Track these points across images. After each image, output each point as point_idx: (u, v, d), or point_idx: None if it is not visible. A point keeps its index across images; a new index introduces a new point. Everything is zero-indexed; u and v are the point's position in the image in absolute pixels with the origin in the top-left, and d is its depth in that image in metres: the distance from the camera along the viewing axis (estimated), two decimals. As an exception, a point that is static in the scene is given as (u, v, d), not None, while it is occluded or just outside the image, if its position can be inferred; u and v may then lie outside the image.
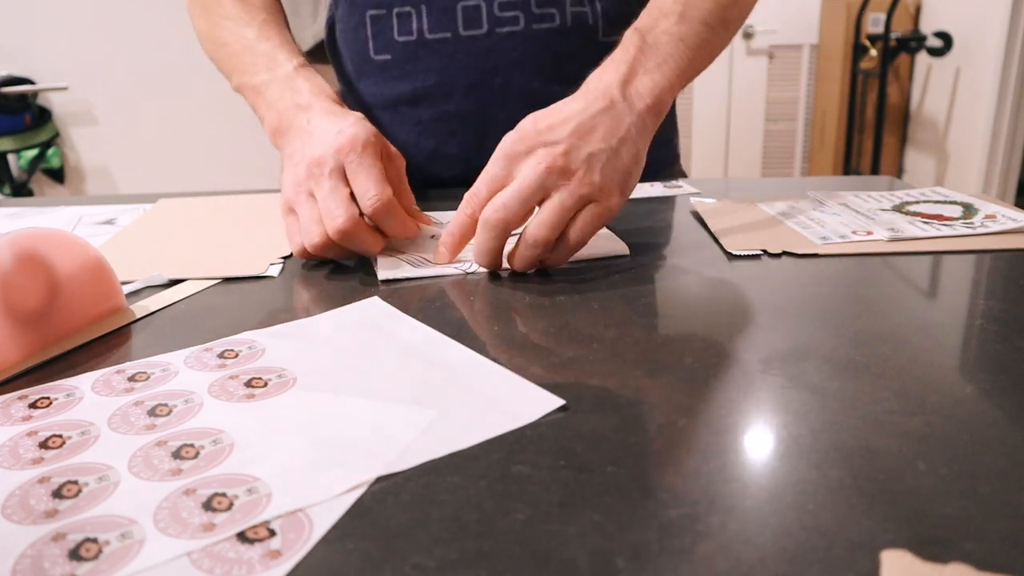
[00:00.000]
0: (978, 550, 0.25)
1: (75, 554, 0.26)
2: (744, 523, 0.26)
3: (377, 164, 0.54)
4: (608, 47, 0.73)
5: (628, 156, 0.53)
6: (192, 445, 0.32)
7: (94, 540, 0.27)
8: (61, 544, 0.27)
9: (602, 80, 0.55)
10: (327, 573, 0.25)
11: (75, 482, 0.30)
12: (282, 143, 0.61)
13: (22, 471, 0.31)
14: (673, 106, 0.83)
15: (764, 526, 0.26)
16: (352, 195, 0.54)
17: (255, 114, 0.66)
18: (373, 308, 0.47)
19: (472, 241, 0.52)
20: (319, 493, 0.29)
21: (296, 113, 0.60)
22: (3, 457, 0.32)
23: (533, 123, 0.52)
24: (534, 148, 0.51)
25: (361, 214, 0.54)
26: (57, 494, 0.29)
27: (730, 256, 0.54)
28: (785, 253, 0.54)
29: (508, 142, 0.52)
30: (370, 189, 0.53)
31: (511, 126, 0.68)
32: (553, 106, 0.54)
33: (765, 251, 0.55)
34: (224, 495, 0.29)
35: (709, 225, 0.61)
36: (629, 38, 0.58)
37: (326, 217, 0.53)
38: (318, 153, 0.55)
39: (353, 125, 0.55)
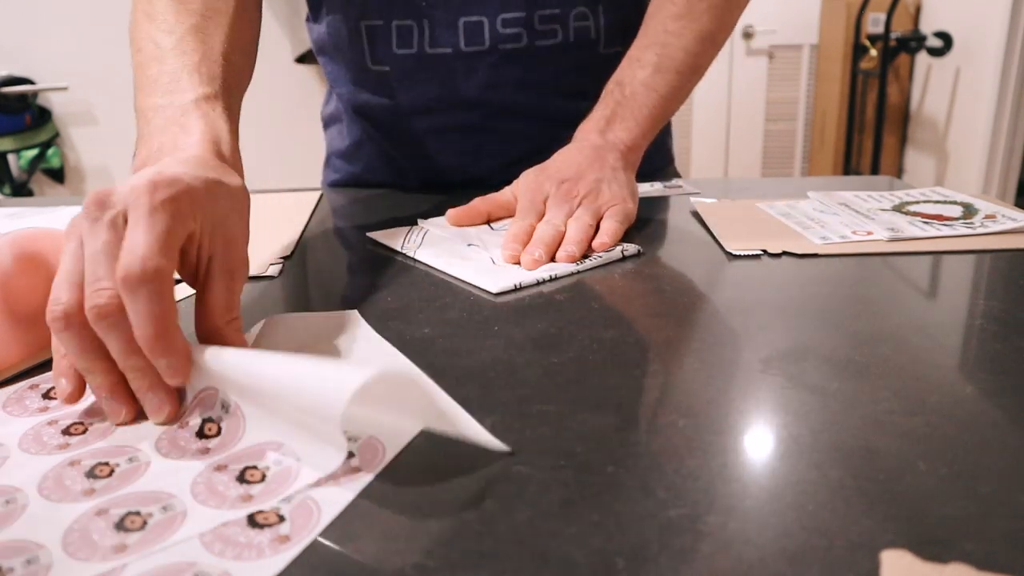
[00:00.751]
0: (978, 550, 0.25)
1: (121, 526, 0.27)
2: (744, 523, 0.26)
3: (169, 225, 0.35)
4: (608, 59, 0.74)
5: (623, 177, 0.63)
6: (212, 419, 0.33)
7: (137, 513, 0.28)
8: (105, 518, 0.27)
9: (586, 133, 0.65)
10: (328, 572, 0.25)
11: (106, 463, 0.31)
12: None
13: (50, 456, 0.32)
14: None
15: (764, 526, 0.26)
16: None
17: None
18: (348, 322, 0.44)
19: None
20: (338, 456, 0.30)
21: (168, 155, 0.44)
22: (28, 444, 0.33)
23: (540, 172, 0.62)
24: (553, 188, 0.60)
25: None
26: (91, 474, 0.30)
27: (730, 256, 0.54)
28: (785, 253, 0.54)
29: (529, 192, 0.60)
30: (136, 248, 0.34)
31: (510, 139, 0.68)
32: (551, 159, 0.64)
33: (765, 251, 0.55)
34: (255, 468, 0.30)
35: (709, 225, 0.61)
36: (609, 91, 0.67)
37: (88, 283, 0.34)
38: (108, 189, 0.36)
39: (191, 167, 0.39)
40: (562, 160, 0.63)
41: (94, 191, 0.37)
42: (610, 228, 0.57)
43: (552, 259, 0.54)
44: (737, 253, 0.54)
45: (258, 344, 0.42)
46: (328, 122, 0.88)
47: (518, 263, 0.53)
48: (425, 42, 0.72)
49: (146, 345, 0.33)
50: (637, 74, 0.66)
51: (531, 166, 0.64)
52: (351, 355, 0.41)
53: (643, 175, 0.72)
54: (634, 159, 0.66)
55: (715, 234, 0.59)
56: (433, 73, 0.73)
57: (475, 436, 0.30)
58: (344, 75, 0.79)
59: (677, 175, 0.88)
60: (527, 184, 0.62)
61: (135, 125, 0.50)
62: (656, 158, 0.82)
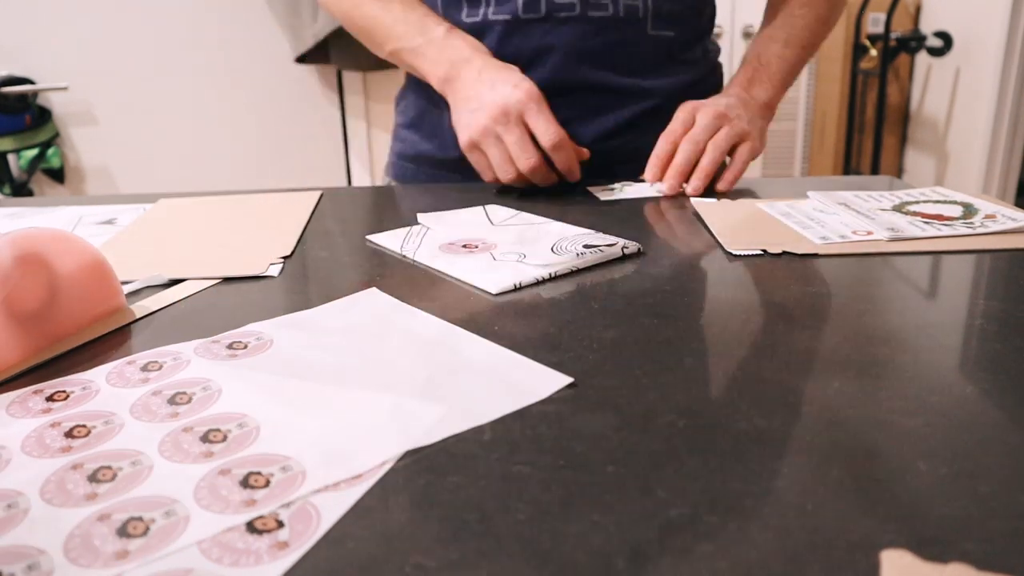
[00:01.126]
0: (978, 550, 0.25)
1: (123, 531, 0.27)
2: (744, 523, 0.26)
3: (550, 112, 0.71)
4: (655, 41, 0.82)
5: (761, 122, 0.78)
6: (219, 430, 0.33)
7: (139, 518, 0.28)
8: (107, 523, 0.27)
9: (732, 89, 0.80)
10: (328, 573, 0.25)
11: (109, 467, 0.31)
12: (453, 88, 0.75)
13: (52, 459, 0.32)
14: None
15: (764, 526, 0.26)
16: (533, 138, 0.70)
17: (415, 73, 0.80)
18: (376, 300, 0.48)
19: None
20: (354, 466, 0.30)
21: (464, 65, 0.74)
22: (31, 447, 0.33)
23: (697, 104, 0.76)
24: (705, 115, 0.74)
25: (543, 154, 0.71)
26: (93, 478, 0.30)
27: (730, 256, 0.54)
28: (785, 253, 0.54)
29: (683, 114, 0.75)
30: (549, 129, 0.70)
31: (560, 112, 0.73)
32: (704, 101, 0.77)
33: (765, 251, 0.55)
34: (259, 473, 0.30)
35: (709, 225, 0.61)
36: (748, 61, 0.82)
37: (518, 159, 0.70)
38: (500, 102, 0.70)
39: (524, 80, 0.71)
40: (714, 101, 0.76)
41: (495, 105, 0.70)
42: (737, 165, 0.73)
43: (685, 182, 0.71)
44: (737, 253, 0.54)
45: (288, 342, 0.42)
46: (398, 100, 0.96)
47: (659, 181, 0.72)
48: (489, 10, 0.79)
49: (566, 172, 0.73)
50: (771, 48, 0.82)
51: (576, 143, 0.73)
52: (389, 327, 0.44)
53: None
54: (769, 115, 0.80)
55: (715, 234, 0.59)
56: (490, 40, 0.79)
57: (533, 374, 0.37)
58: None
59: None
60: (683, 109, 0.76)
61: (407, 62, 0.80)
62: None
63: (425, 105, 0.88)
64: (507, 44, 0.79)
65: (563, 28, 0.78)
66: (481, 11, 0.80)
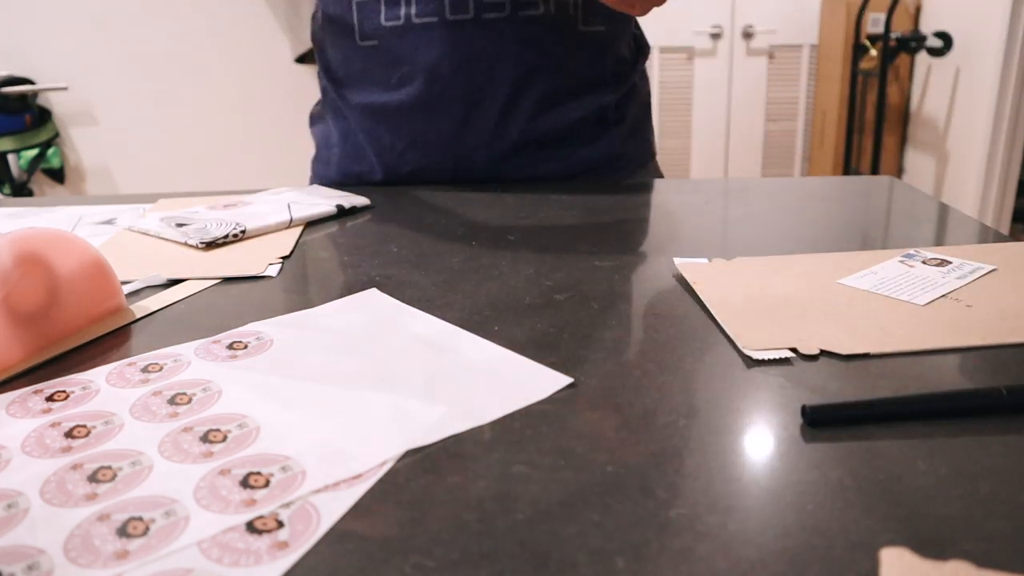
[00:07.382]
0: (978, 550, 0.25)
1: (123, 531, 0.27)
2: (744, 523, 0.26)
3: None
4: (587, 36, 0.76)
5: None
6: (219, 430, 0.33)
7: (139, 519, 0.28)
8: (107, 523, 0.27)
9: None
10: (328, 573, 0.25)
11: (109, 467, 0.31)
12: None
13: (52, 459, 0.32)
14: (648, 109, 0.87)
15: (764, 526, 0.26)
16: None
17: None
18: (376, 300, 0.48)
19: None
20: (354, 466, 0.30)
21: None
22: (31, 447, 0.33)
23: None
24: None
25: None
26: (93, 478, 0.30)
27: (750, 362, 0.38)
28: (824, 353, 0.39)
29: None
30: None
31: (494, 113, 0.70)
32: None
33: (795, 350, 0.39)
34: (259, 473, 0.30)
35: (712, 311, 0.44)
36: None
37: None
38: None
39: None
40: None
41: None
42: None
43: None
44: (760, 358, 0.38)
45: (292, 340, 0.43)
46: (313, 120, 0.90)
47: None
48: (412, 12, 0.74)
49: None
50: None
51: (514, 156, 0.66)
52: (387, 327, 0.44)
53: (627, 168, 0.75)
54: None
55: (723, 326, 0.42)
56: (419, 43, 0.75)
57: (533, 374, 0.37)
58: (334, 60, 0.80)
59: (659, 172, 0.88)
60: None
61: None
62: (640, 151, 0.85)
63: (344, 126, 0.83)
64: (435, 48, 0.74)
65: (493, 30, 0.73)
66: (402, 13, 0.74)
